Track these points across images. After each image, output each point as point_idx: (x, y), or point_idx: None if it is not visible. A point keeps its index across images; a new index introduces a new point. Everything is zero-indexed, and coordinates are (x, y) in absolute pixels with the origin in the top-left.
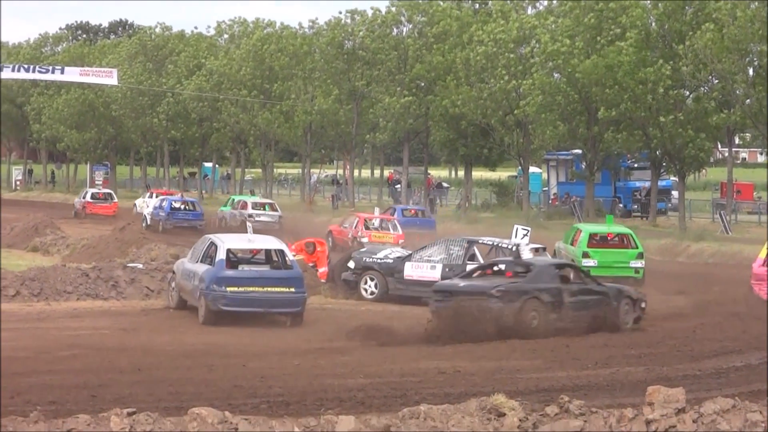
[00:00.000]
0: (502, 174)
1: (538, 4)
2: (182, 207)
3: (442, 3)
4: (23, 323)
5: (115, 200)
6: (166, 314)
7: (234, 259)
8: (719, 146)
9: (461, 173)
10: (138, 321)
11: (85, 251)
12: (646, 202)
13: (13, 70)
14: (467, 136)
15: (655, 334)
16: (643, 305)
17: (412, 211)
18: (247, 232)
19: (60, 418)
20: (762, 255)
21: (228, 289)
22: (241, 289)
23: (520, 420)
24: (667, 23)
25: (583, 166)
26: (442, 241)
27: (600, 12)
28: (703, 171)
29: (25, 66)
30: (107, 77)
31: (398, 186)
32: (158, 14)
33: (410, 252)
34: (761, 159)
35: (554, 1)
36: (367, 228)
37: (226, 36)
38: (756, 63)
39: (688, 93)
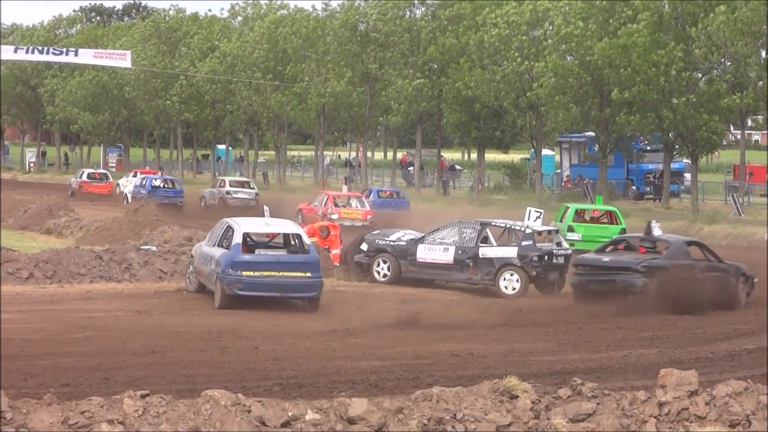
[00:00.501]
0: (514, 156)
1: None
2: (162, 185)
3: None
4: (37, 305)
5: (110, 180)
6: (179, 296)
7: (251, 243)
8: (732, 129)
9: (474, 155)
10: (151, 303)
11: (98, 233)
12: (658, 184)
13: (27, 52)
14: (480, 119)
15: (668, 316)
16: (755, 281)
17: (387, 193)
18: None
19: (73, 401)
20: None
21: (244, 273)
22: (256, 273)
23: (532, 402)
24: (680, 6)
25: (596, 149)
26: (455, 224)
27: None
28: (716, 153)
29: (39, 48)
30: (121, 59)
31: (411, 168)
32: None
33: (423, 234)
34: None
35: None
36: (336, 205)
37: (239, 18)
38: None
39: (700, 75)
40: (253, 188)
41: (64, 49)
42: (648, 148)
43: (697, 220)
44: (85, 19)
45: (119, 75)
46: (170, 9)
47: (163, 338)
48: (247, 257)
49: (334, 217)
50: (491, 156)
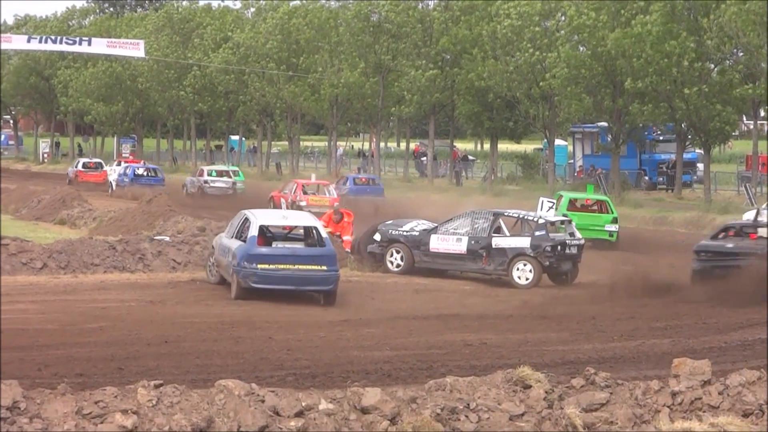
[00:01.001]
0: (527, 147)
1: None
2: (145, 173)
3: None
4: (50, 296)
5: (104, 169)
6: (193, 287)
7: (269, 236)
8: (744, 119)
9: (487, 146)
10: (165, 293)
11: (111, 224)
12: (671, 174)
13: (40, 42)
14: (493, 109)
15: (681, 306)
16: None
17: (363, 180)
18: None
19: (87, 390)
20: None
21: (259, 266)
22: (272, 266)
23: (545, 392)
24: None
25: (609, 139)
26: (468, 214)
27: None
28: (729, 143)
29: (53, 38)
30: (134, 49)
31: (424, 159)
32: None
33: (436, 224)
34: None
35: None
36: (305, 193)
37: (252, 9)
38: None
39: (713, 66)
40: (231, 177)
41: (77, 39)
42: (661, 138)
43: (709, 210)
44: (98, 10)
45: (132, 66)
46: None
47: (176, 328)
48: (262, 250)
49: (303, 204)
50: (504, 146)
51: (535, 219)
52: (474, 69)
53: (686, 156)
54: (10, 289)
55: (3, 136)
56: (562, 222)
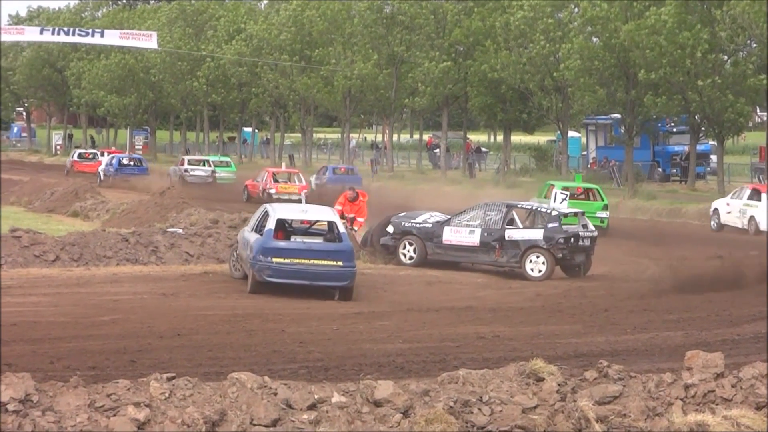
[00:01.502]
0: (540, 138)
1: None
2: (130, 163)
3: None
4: (63, 288)
5: (99, 160)
6: (206, 279)
7: (290, 230)
8: (758, 110)
9: (500, 138)
10: (177, 286)
11: (124, 216)
12: (684, 166)
13: (53, 34)
14: (506, 101)
15: (694, 298)
16: None
17: (342, 170)
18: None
19: (100, 383)
20: None
21: (274, 260)
22: (286, 260)
23: (558, 385)
24: None
25: (622, 131)
26: (481, 206)
27: None
28: (742, 135)
29: (65, 29)
30: (147, 40)
31: (437, 150)
32: None
33: (449, 216)
34: None
35: None
36: (275, 181)
37: (265, 1)
38: None
39: (726, 57)
40: (210, 166)
41: (90, 31)
42: (674, 130)
43: None
44: (110, 2)
45: (145, 58)
46: None
47: (189, 321)
48: (277, 244)
49: (272, 191)
50: (517, 138)
51: (549, 211)
52: (487, 61)
53: (700, 147)
54: (22, 282)
55: (16, 129)
56: (575, 214)
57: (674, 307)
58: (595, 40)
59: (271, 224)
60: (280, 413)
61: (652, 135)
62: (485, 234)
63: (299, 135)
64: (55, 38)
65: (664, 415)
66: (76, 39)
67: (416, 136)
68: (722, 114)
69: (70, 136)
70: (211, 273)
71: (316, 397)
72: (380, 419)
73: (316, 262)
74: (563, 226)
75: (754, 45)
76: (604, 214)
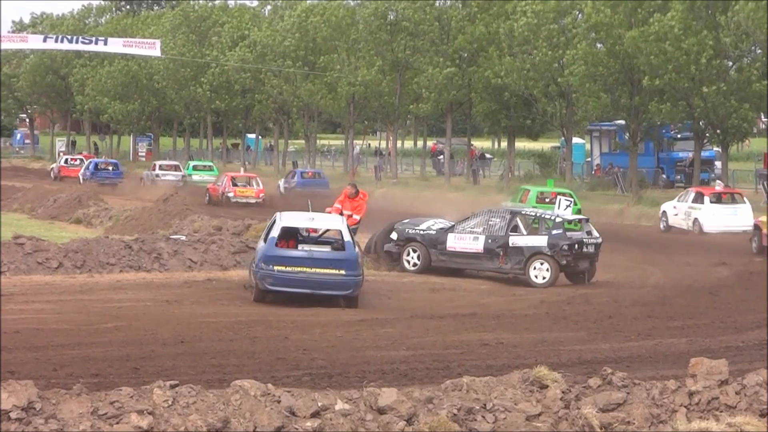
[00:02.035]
0: (544, 145)
1: None
2: (107, 168)
3: None
4: (66, 295)
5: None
6: (209, 286)
7: (300, 238)
8: (762, 116)
9: (504, 144)
10: (181, 293)
11: (127, 223)
12: (689, 172)
13: (56, 41)
14: (510, 107)
15: (698, 305)
16: None
17: (310, 174)
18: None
19: (103, 391)
20: None
21: (276, 268)
22: (288, 268)
23: (562, 392)
24: None
25: (626, 137)
26: (485, 213)
27: None
28: (746, 141)
29: (69, 37)
30: (150, 48)
31: (441, 157)
32: None
33: (453, 223)
34: None
35: None
36: (234, 185)
37: (269, 7)
38: None
39: (731, 63)
40: (180, 171)
41: (94, 39)
42: (678, 136)
43: None
44: (114, 9)
45: (149, 64)
46: None
47: (192, 328)
48: (279, 252)
49: (230, 195)
50: (521, 144)
51: (553, 218)
52: (491, 67)
53: (704, 154)
54: (25, 289)
55: (19, 135)
56: (580, 221)
57: (678, 314)
58: (599, 46)
59: (275, 232)
60: (284, 421)
61: (657, 141)
62: (489, 241)
63: (303, 141)
64: (59, 46)
65: (668, 422)
66: (80, 47)
67: (420, 143)
68: (726, 120)
69: (74, 143)
70: (214, 280)
71: (319, 404)
72: (384, 427)
73: (318, 270)
74: (567, 233)
75: (759, 51)
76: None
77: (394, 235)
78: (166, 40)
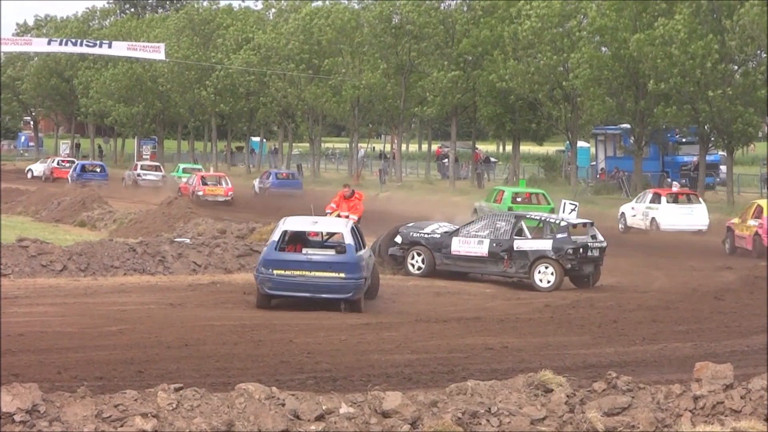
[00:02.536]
0: (549, 148)
1: None
2: (95, 169)
3: None
4: (70, 298)
5: None
6: (213, 289)
7: (309, 243)
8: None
9: (509, 148)
10: (185, 296)
11: (132, 226)
12: (694, 176)
13: (60, 44)
14: (515, 111)
15: (703, 309)
16: None
17: (284, 175)
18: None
19: (107, 394)
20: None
21: (275, 272)
22: (287, 272)
23: (567, 396)
24: None
25: (631, 141)
26: (490, 216)
27: None
28: (752, 145)
29: (73, 40)
30: (155, 52)
31: (446, 160)
32: None
33: (457, 227)
34: None
35: None
36: (204, 184)
37: (274, 10)
38: None
39: (736, 67)
40: (161, 171)
41: (98, 42)
42: (683, 140)
43: (732, 212)
44: (118, 11)
45: (153, 67)
46: (204, 1)
47: (197, 331)
48: (278, 255)
49: (200, 193)
50: (526, 148)
51: (557, 221)
52: (495, 70)
53: (709, 158)
54: (30, 292)
55: (23, 138)
56: (584, 224)
57: (683, 318)
58: (604, 49)
59: (275, 235)
60: (288, 424)
61: (662, 145)
62: (494, 244)
63: (307, 145)
64: (63, 49)
65: (672, 426)
66: (84, 50)
67: (425, 146)
68: (732, 124)
69: (78, 146)
70: (218, 283)
71: (323, 407)
72: (388, 430)
73: (317, 274)
74: (572, 237)
75: (764, 55)
76: None
77: (398, 239)
78: (170, 42)
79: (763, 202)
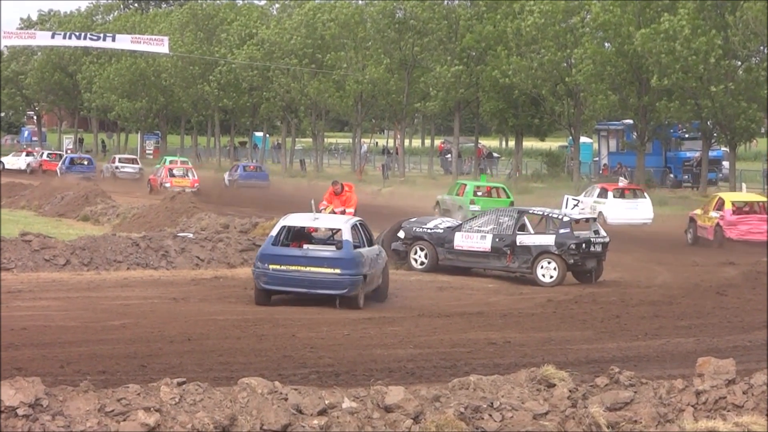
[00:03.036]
0: (552, 144)
1: None
2: (83, 162)
3: None
4: (73, 292)
5: None
6: (216, 284)
7: (312, 240)
8: None
9: (512, 143)
10: (188, 290)
11: (135, 220)
12: (696, 172)
13: (64, 38)
14: (518, 106)
15: (705, 305)
16: None
17: (252, 167)
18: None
19: (110, 388)
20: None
21: (271, 267)
22: (282, 267)
23: (569, 391)
24: None
25: (634, 136)
26: (493, 212)
27: None
28: (754, 141)
29: (77, 33)
30: (158, 45)
31: (449, 156)
32: None
33: (460, 222)
34: None
35: None
36: (171, 175)
37: (277, 5)
38: None
39: (739, 63)
40: (138, 164)
41: (102, 35)
42: (686, 135)
43: None
44: (122, 6)
45: (156, 62)
46: None
47: (199, 326)
48: (274, 250)
49: (167, 185)
50: (529, 143)
51: (560, 217)
52: (498, 66)
53: (712, 154)
54: (33, 286)
55: (26, 132)
56: (587, 220)
57: (686, 314)
58: (607, 45)
59: (274, 230)
60: (291, 418)
61: (664, 141)
62: (496, 239)
63: (310, 140)
64: (67, 42)
65: (675, 421)
66: (88, 43)
67: (428, 142)
68: (734, 120)
69: (81, 140)
70: (221, 278)
71: (326, 402)
72: (391, 425)
73: (312, 269)
74: (575, 232)
75: (767, 51)
76: None
77: (401, 234)
78: (174, 37)
79: (724, 195)
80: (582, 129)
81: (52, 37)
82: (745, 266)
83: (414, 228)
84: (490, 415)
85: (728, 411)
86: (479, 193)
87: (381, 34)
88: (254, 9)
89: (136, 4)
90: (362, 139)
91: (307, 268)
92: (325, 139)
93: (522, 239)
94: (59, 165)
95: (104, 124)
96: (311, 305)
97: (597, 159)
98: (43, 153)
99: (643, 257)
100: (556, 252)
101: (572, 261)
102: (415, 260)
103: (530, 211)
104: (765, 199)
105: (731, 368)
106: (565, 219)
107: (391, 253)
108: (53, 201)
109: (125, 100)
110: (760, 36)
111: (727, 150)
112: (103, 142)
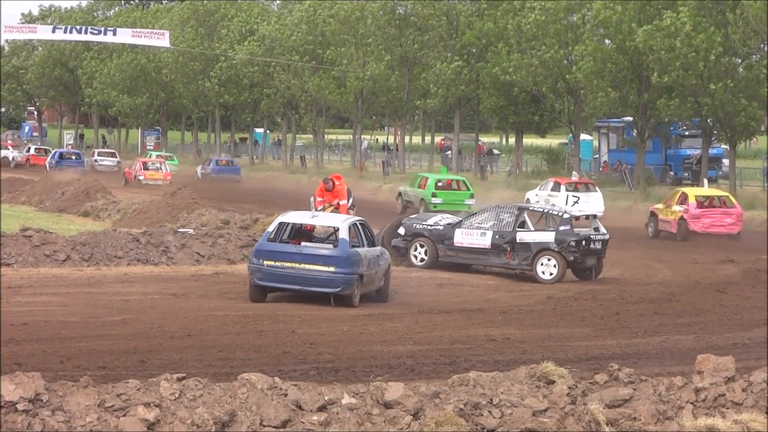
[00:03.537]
0: (552, 141)
1: None
2: (71, 157)
3: None
4: (74, 288)
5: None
6: (216, 280)
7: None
8: None
9: (512, 140)
10: (188, 286)
11: (135, 216)
12: (696, 170)
13: (65, 32)
14: (518, 103)
15: (705, 302)
16: None
17: (224, 162)
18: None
19: (110, 383)
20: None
21: (265, 263)
22: (277, 263)
23: (569, 388)
24: None
25: (634, 134)
26: (493, 208)
27: None
28: (754, 139)
29: (78, 28)
30: (159, 39)
31: (449, 152)
32: None
33: (460, 219)
34: None
35: None
36: (145, 168)
37: (278, 1)
38: None
39: (739, 61)
40: (116, 157)
41: (102, 29)
42: (686, 133)
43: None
44: (123, 2)
45: (157, 57)
46: None
47: (199, 321)
48: (269, 246)
49: (141, 178)
50: (529, 140)
51: (560, 214)
52: (499, 63)
53: (712, 151)
54: (33, 281)
55: (27, 128)
56: (587, 216)
57: (685, 311)
58: (607, 42)
59: (271, 227)
60: (290, 414)
61: (665, 138)
62: (497, 236)
63: (311, 136)
64: (68, 36)
65: (674, 418)
66: (89, 37)
67: (428, 138)
68: (734, 118)
69: (81, 136)
70: (221, 273)
71: (326, 398)
72: (390, 421)
73: (307, 266)
74: (575, 229)
75: (767, 49)
76: (470, 202)
77: (401, 230)
78: (174, 33)
79: (688, 190)
80: (582, 126)
81: (53, 31)
82: (744, 264)
83: (414, 225)
84: (490, 412)
85: (727, 408)
86: (440, 185)
87: (381, 30)
88: (255, 5)
89: (136, 0)
90: (363, 136)
91: (302, 265)
92: (326, 136)
93: (522, 236)
94: (48, 159)
95: (105, 119)
96: (310, 302)
97: (597, 156)
98: (30, 148)
99: (642, 254)
100: (556, 249)
101: (572, 258)
102: (415, 257)
103: (530, 208)
104: (726, 193)
105: (731, 366)
106: (566, 216)
107: (391, 250)
108: (54, 196)
109: (126, 95)
110: (760, 33)
111: (727, 147)
112: (103, 137)
